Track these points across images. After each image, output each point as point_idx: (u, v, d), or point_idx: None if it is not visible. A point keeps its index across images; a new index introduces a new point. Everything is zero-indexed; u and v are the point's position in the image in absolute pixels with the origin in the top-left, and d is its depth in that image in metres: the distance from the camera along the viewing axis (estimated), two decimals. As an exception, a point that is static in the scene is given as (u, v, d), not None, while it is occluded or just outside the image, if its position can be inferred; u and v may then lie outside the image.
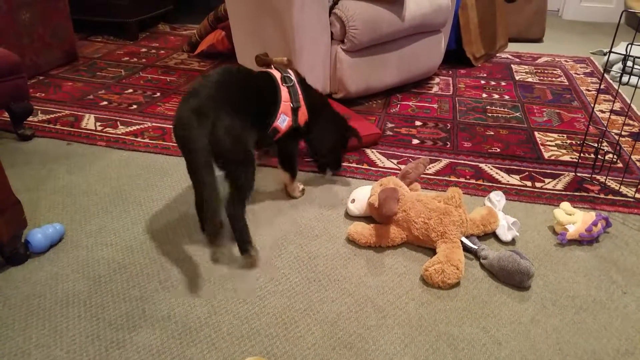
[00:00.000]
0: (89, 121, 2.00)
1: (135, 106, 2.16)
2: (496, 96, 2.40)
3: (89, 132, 1.92)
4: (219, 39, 2.72)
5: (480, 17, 2.81)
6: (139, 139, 1.87)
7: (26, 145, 1.83)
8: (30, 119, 1.95)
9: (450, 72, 2.71)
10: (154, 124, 1.99)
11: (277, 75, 1.39)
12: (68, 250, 1.29)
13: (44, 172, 1.65)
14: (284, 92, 1.37)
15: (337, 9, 2.02)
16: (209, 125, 1.12)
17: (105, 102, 2.19)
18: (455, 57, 2.77)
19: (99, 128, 1.95)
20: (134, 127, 1.96)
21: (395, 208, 1.27)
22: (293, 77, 1.41)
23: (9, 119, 1.85)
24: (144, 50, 2.93)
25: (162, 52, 2.91)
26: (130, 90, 2.33)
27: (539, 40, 3.36)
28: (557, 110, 2.24)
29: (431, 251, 1.29)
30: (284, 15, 2.01)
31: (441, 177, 1.67)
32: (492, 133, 2.01)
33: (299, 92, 1.39)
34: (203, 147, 1.09)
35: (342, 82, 2.13)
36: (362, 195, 1.42)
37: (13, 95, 1.75)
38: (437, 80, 2.59)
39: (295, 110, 1.38)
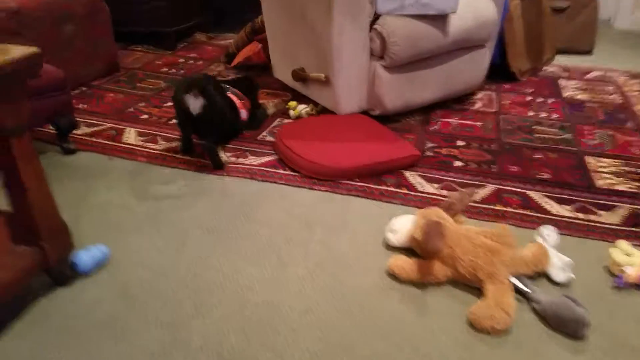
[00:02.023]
0: (130, 135, 2.02)
1: (174, 121, 2.16)
2: (543, 115, 2.30)
3: (130, 146, 1.93)
4: (256, 51, 2.71)
5: (526, 30, 2.71)
6: (178, 156, 1.87)
7: (70, 159, 1.86)
8: (74, 132, 1.97)
9: (494, 87, 2.61)
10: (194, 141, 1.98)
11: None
12: (110, 271, 1.30)
13: (85, 188, 1.66)
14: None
15: (378, 24, 1.97)
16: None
17: (145, 116, 2.20)
18: (499, 72, 2.67)
19: (140, 143, 1.96)
20: (174, 144, 1.96)
21: (441, 245, 1.22)
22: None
23: (54, 132, 1.87)
24: (181, 60, 2.94)
25: (200, 62, 2.92)
26: (170, 104, 2.34)
27: (588, 52, 3.22)
28: (610, 132, 2.13)
29: (477, 290, 1.23)
30: (322, 36, 1.98)
31: (486, 206, 1.60)
32: (541, 156, 1.92)
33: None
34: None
35: (379, 99, 2.08)
36: (402, 225, 1.37)
37: (58, 111, 1.77)
38: (479, 95, 2.50)
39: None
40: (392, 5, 1.95)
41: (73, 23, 2.41)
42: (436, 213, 1.32)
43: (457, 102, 2.39)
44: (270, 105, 2.26)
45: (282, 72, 2.49)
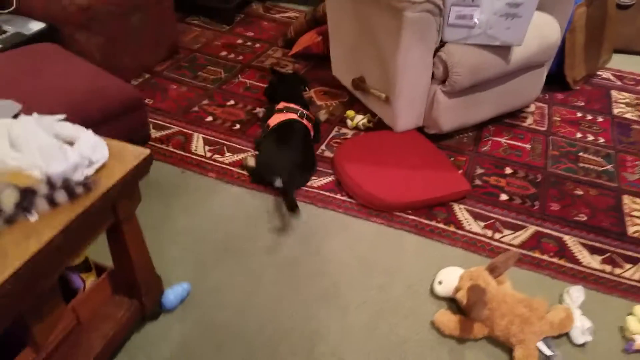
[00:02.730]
0: (198, 143, 2.17)
1: (238, 125, 2.30)
2: (591, 137, 2.36)
3: (200, 159, 2.09)
4: (315, 42, 2.75)
5: (587, 38, 2.67)
6: (244, 172, 2.03)
7: (145, 169, 2.03)
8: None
9: (547, 96, 2.64)
10: (255, 152, 2.13)
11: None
12: (193, 308, 1.51)
13: (163, 209, 1.84)
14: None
15: (443, 52, 2.01)
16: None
17: (210, 118, 2.34)
18: (554, 79, 2.67)
19: (208, 154, 2.12)
20: (240, 156, 2.11)
21: (484, 314, 1.40)
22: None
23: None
24: (239, 41, 3.01)
25: (258, 45, 2.98)
26: (232, 102, 2.46)
27: (647, 53, 3.15)
28: (654, 166, 2.19)
29: (508, 349, 1.42)
30: (387, 53, 2.03)
31: (526, 252, 1.75)
32: (581, 193, 2.02)
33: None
34: None
35: (436, 121, 2.16)
36: (449, 278, 1.54)
37: (135, 128, 1.93)
38: (532, 108, 2.55)
39: None
40: (459, 34, 1.98)
41: (140, 13, 2.49)
42: (481, 276, 1.48)
43: (510, 115, 2.45)
44: (322, 112, 2.36)
45: (341, 73, 2.55)
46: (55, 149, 1.00)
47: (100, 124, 1.74)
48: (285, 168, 1.86)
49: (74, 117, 1.67)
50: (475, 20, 1.91)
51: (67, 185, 0.98)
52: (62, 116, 1.19)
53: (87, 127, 1.71)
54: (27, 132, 1.04)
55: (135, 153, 1.13)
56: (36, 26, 2.26)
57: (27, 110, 1.59)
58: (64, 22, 2.29)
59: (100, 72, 1.90)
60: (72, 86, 1.76)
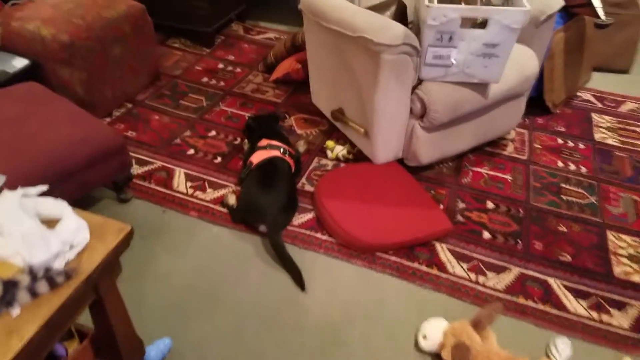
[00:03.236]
0: (180, 179, 2.16)
1: (219, 158, 2.29)
2: (572, 167, 2.38)
3: (181, 196, 2.08)
4: (295, 68, 2.75)
5: (566, 62, 2.70)
6: (225, 209, 2.02)
7: (126, 209, 2.02)
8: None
9: (527, 121, 2.66)
10: (237, 188, 2.12)
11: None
12: (174, 361, 1.51)
13: (145, 253, 1.84)
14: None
15: (420, 89, 2.02)
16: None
17: (191, 151, 2.33)
18: (533, 103, 2.69)
19: (190, 191, 2.11)
20: (221, 192, 2.11)
21: (467, 371, 1.41)
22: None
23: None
24: (220, 66, 2.99)
25: (238, 70, 2.97)
26: (214, 133, 2.45)
27: (625, 71, 3.19)
28: (635, 197, 2.22)
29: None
30: (365, 90, 2.04)
31: (510, 297, 1.76)
32: (565, 229, 2.04)
33: None
34: None
35: (415, 154, 2.17)
36: (433, 332, 1.55)
37: (117, 170, 1.91)
38: (512, 134, 2.57)
39: None
40: (436, 73, 1.99)
41: (121, 44, 2.47)
42: (465, 331, 1.49)
43: (490, 144, 2.47)
44: (301, 143, 2.36)
45: (320, 102, 2.55)
46: (37, 236, 0.99)
47: (83, 170, 1.75)
48: (270, 214, 1.87)
49: (58, 167, 1.68)
50: (452, 60, 1.92)
51: (49, 276, 0.97)
52: (44, 187, 1.18)
53: (71, 174, 1.72)
54: (11, 216, 1.03)
55: (117, 228, 1.12)
56: (20, 63, 2.25)
57: (12, 161, 1.60)
58: (46, 58, 2.27)
59: (82, 115, 1.89)
60: (56, 135, 1.75)
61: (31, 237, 0.99)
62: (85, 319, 1.27)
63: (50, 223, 1.08)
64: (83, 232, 1.06)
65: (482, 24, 1.87)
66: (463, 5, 1.91)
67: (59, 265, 1.00)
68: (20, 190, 1.13)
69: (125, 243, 1.12)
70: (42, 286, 0.97)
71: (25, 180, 1.59)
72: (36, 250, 0.98)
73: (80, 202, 1.88)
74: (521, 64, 2.16)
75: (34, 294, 0.96)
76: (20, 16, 2.31)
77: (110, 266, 1.11)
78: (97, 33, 2.32)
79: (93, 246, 1.07)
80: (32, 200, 1.11)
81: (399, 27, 1.86)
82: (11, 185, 1.54)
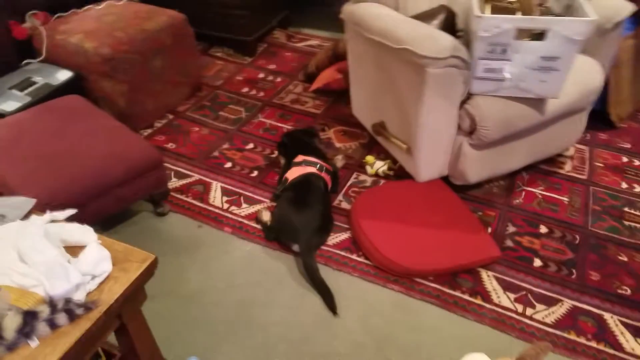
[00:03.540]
0: (216, 194, 2.12)
1: (255, 172, 2.23)
2: (638, 188, 2.17)
3: (217, 211, 2.04)
4: (336, 78, 2.67)
5: (634, 72, 2.47)
6: (259, 226, 1.96)
7: (162, 223, 2.00)
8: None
9: (588, 136, 2.46)
10: (271, 204, 2.06)
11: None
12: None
13: (177, 269, 1.80)
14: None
15: (470, 104, 1.88)
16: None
17: (229, 164, 2.29)
18: (595, 117, 2.47)
19: (225, 205, 2.06)
20: (255, 207, 2.05)
21: (510, 419, 1.27)
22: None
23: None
24: (261, 75, 2.95)
25: (279, 79, 2.91)
26: (251, 146, 2.40)
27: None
28: None
29: None
30: (409, 106, 1.93)
31: (560, 333, 1.60)
32: (626, 259, 1.85)
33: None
34: None
35: (463, 173, 2.03)
36: (474, 372, 1.42)
37: (154, 186, 1.89)
38: (571, 151, 2.37)
39: None
40: (488, 87, 1.85)
41: (162, 56, 2.46)
42: (509, 373, 1.35)
43: (545, 161, 2.28)
44: (339, 158, 2.27)
45: (361, 114, 2.45)
46: (59, 267, 0.97)
47: (120, 186, 1.73)
48: (303, 235, 1.79)
49: (94, 182, 1.67)
50: (506, 74, 1.77)
51: (68, 308, 0.95)
52: (73, 211, 1.16)
53: (107, 190, 1.71)
54: (35, 244, 1.02)
55: (140, 258, 1.08)
56: (63, 75, 2.29)
57: (49, 176, 1.60)
58: (89, 71, 2.30)
59: (121, 129, 1.90)
60: (93, 151, 1.76)
61: (53, 268, 0.97)
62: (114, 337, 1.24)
63: (74, 249, 1.06)
64: (105, 262, 1.03)
65: (540, 35, 1.72)
66: (518, 16, 1.76)
67: (79, 296, 0.98)
68: (47, 215, 1.12)
69: (149, 273, 1.07)
70: (62, 318, 0.95)
71: (61, 196, 1.61)
72: (57, 282, 0.96)
73: (117, 215, 1.88)
74: (583, 77, 1.98)
75: (53, 325, 0.95)
76: (64, 29, 2.35)
77: (134, 296, 1.06)
78: (138, 45, 2.32)
79: (115, 276, 1.03)
80: (58, 226, 1.09)
81: (446, 38, 1.74)
82: (47, 200, 1.55)
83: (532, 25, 1.70)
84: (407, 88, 1.90)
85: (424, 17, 2.04)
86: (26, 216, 1.16)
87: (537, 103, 1.89)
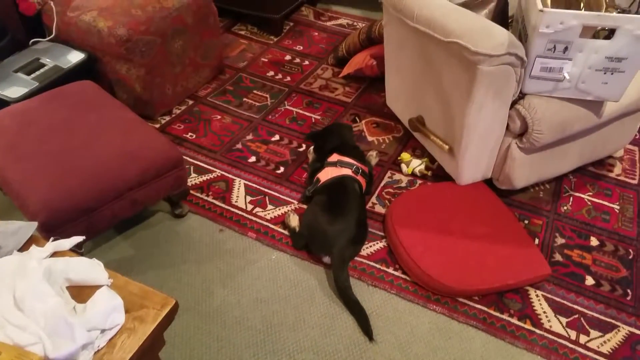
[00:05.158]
0: (240, 192, 1.98)
1: (282, 168, 2.08)
2: (696, 197, 1.99)
3: (240, 213, 1.90)
4: (368, 64, 2.47)
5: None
6: (284, 232, 1.82)
7: (180, 225, 1.86)
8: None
9: (638, 135, 2.26)
10: (299, 206, 1.92)
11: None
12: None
13: (199, 281, 1.68)
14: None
15: (522, 105, 1.70)
16: None
17: (253, 158, 2.14)
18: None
19: (249, 207, 1.92)
20: (282, 210, 1.91)
21: None
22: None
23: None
24: (287, 57, 2.76)
25: (306, 62, 2.72)
26: (277, 137, 2.24)
27: None
28: None
29: None
30: (454, 103, 1.75)
31: (617, 365, 1.47)
32: (687, 279, 1.69)
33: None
34: None
35: (509, 177, 1.87)
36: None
37: (173, 186, 1.75)
38: (620, 152, 2.18)
39: None
40: (543, 87, 1.66)
41: (183, 37, 2.28)
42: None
43: (594, 162, 2.10)
44: (373, 155, 2.11)
45: (396, 105, 2.28)
46: (62, 321, 0.83)
47: (136, 188, 1.60)
48: (337, 246, 1.64)
49: (107, 184, 1.53)
50: (565, 74, 1.58)
51: None
52: (80, 239, 1.02)
53: (121, 192, 1.57)
54: (34, 287, 0.88)
55: (159, 302, 0.93)
56: (75, 57, 2.13)
57: (57, 177, 1.47)
58: (103, 52, 2.14)
59: (137, 123, 1.75)
60: (108, 148, 1.61)
61: (54, 323, 0.83)
62: None
63: (81, 289, 0.92)
64: (117, 313, 0.88)
65: (606, 32, 1.52)
66: (585, 12, 1.55)
67: (85, 359, 0.82)
68: (50, 246, 0.97)
69: (169, 320, 0.93)
70: (64, 385, 0.81)
71: (70, 200, 1.48)
72: (60, 341, 0.82)
73: (131, 216, 1.74)
74: (646, 75, 1.77)
75: (54, 393, 0.80)
76: (76, 5, 2.17)
77: (151, 348, 0.93)
78: (157, 25, 2.14)
79: (130, 328, 0.89)
80: (63, 262, 0.95)
81: (502, 33, 1.55)
82: (55, 204, 1.42)
83: (601, 22, 1.51)
84: (454, 84, 1.72)
85: (474, 4, 1.84)
86: (26, 243, 1.02)
87: (594, 105, 1.72)
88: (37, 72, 2.03)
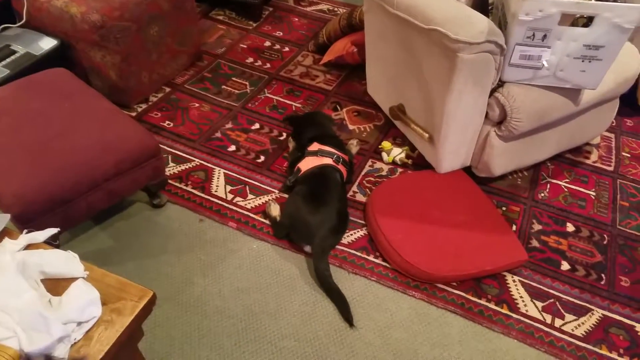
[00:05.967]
0: (219, 182, 1.96)
1: (262, 157, 2.07)
2: (669, 182, 2.04)
3: (220, 202, 1.88)
4: (349, 51, 2.46)
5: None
6: (264, 221, 1.82)
7: (159, 216, 1.84)
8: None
9: (614, 122, 2.30)
10: (280, 195, 1.91)
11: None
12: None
13: (179, 271, 1.66)
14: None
15: (501, 93, 1.72)
16: None
17: (232, 147, 2.11)
18: (622, 101, 2.30)
19: (229, 196, 1.91)
20: (262, 199, 1.90)
21: None
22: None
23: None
24: (267, 44, 2.72)
25: (286, 49, 2.69)
26: (257, 126, 2.22)
27: None
28: None
29: None
30: (434, 92, 1.76)
31: (590, 347, 1.51)
32: (658, 263, 1.74)
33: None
34: None
35: (487, 165, 1.89)
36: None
37: (150, 177, 1.72)
38: (597, 139, 2.22)
39: None
40: (522, 75, 1.67)
41: (159, 23, 2.24)
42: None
43: (571, 149, 2.14)
44: (353, 144, 2.11)
45: (377, 94, 2.27)
46: (36, 316, 0.81)
47: (112, 178, 1.57)
48: (318, 236, 1.64)
49: (83, 175, 1.50)
50: (544, 62, 1.59)
51: None
52: (54, 230, 0.99)
53: (97, 184, 1.54)
54: (7, 282, 0.85)
55: (136, 294, 0.92)
56: (47, 44, 2.07)
57: (31, 169, 1.43)
58: (76, 39, 2.08)
59: (113, 113, 1.71)
60: (82, 139, 1.57)
61: (29, 317, 0.81)
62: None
63: (56, 282, 0.91)
64: (94, 306, 0.86)
65: (585, 20, 1.53)
66: (564, -1, 1.56)
67: (61, 352, 0.82)
68: (23, 238, 0.95)
69: (146, 312, 0.92)
70: (40, 381, 0.79)
71: (44, 192, 1.44)
72: (35, 334, 0.80)
73: (109, 207, 1.71)
74: (621, 64, 1.80)
75: (29, 388, 0.79)
76: (48, -11, 2.10)
77: (129, 340, 0.91)
78: (132, 11, 2.09)
79: (107, 320, 0.88)
80: (37, 255, 0.92)
81: (482, 21, 1.56)
82: (29, 197, 1.38)
83: (580, 10, 1.51)
84: (434, 72, 1.72)
85: (454, -9, 1.83)
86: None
87: (572, 93, 1.74)
88: (8, 60, 1.97)
